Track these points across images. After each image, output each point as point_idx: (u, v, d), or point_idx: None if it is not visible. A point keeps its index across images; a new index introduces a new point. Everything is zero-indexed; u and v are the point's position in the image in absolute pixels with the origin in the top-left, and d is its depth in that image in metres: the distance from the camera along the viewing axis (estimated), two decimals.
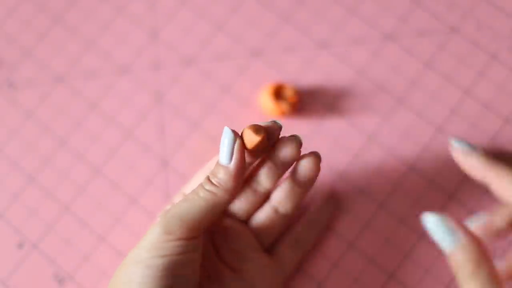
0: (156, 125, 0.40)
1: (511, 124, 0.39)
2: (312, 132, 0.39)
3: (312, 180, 0.32)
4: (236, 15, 0.42)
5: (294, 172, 0.32)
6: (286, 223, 0.35)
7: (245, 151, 0.30)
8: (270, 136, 0.31)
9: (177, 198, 0.34)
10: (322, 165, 0.39)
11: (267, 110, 0.39)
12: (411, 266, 0.37)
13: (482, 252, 0.27)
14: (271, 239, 0.35)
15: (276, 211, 0.34)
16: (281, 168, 0.32)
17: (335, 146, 0.39)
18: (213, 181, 0.30)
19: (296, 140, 0.31)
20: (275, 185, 0.33)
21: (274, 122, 0.31)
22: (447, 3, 0.41)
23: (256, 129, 0.29)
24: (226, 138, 0.30)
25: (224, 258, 0.34)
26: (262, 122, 0.31)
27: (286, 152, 0.31)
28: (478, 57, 0.40)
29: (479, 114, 0.39)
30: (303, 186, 0.33)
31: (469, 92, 0.40)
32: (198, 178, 0.34)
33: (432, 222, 0.28)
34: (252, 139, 0.29)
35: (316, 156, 0.32)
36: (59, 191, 0.39)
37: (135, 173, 0.39)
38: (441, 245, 0.28)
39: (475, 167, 0.32)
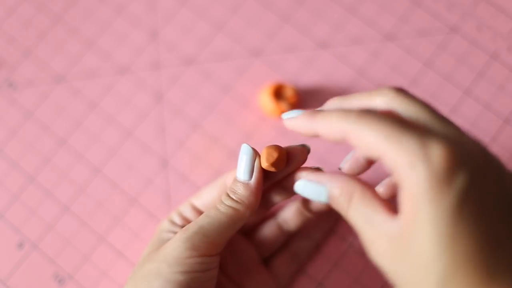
0: (156, 125, 0.40)
1: (511, 124, 0.39)
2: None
3: (322, 212, 0.33)
4: (236, 15, 0.42)
5: (307, 201, 0.33)
6: (287, 238, 0.36)
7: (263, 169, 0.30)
8: (295, 158, 0.31)
9: (184, 208, 0.34)
10: (322, 165, 0.39)
11: (267, 110, 0.39)
12: None
13: (349, 181, 0.27)
14: (271, 252, 0.36)
15: (280, 227, 0.35)
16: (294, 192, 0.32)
17: (335, 146, 0.39)
18: (233, 197, 0.30)
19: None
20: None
21: (303, 145, 0.31)
22: (447, 3, 0.41)
23: (276, 147, 0.30)
24: (245, 155, 0.30)
25: (227, 271, 0.34)
26: (293, 145, 0.31)
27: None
28: (478, 57, 0.40)
29: (479, 114, 0.39)
30: (312, 213, 0.34)
31: (469, 92, 0.40)
32: (210, 192, 0.34)
33: (301, 187, 0.29)
34: (272, 154, 0.29)
35: None
36: (59, 191, 0.39)
37: (135, 173, 0.39)
38: (320, 201, 0.28)
39: (304, 127, 0.29)
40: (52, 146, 0.40)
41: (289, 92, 0.39)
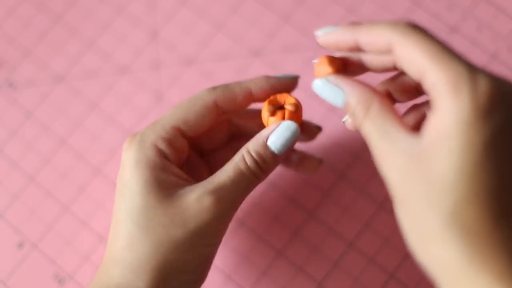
0: None
1: None
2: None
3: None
4: (236, 15, 0.42)
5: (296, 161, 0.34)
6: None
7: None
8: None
9: (172, 136, 0.31)
10: (322, 165, 0.39)
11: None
12: (411, 266, 0.37)
13: (369, 93, 0.26)
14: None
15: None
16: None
17: (335, 146, 0.39)
18: (261, 165, 0.29)
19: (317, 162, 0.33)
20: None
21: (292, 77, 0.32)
22: (447, 3, 0.41)
23: (331, 61, 0.28)
24: (292, 134, 0.29)
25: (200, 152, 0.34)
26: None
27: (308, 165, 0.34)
28: (478, 57, 0.40)
29: None
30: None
31: None
32: (197, 114, 0.31)
33: (320, 87, 0.28)
34: (324, 70, 0.28)
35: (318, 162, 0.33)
36: (59, 191, 0.39)
37: None
38: (336, 105, 0.27)
39: (343, 37, 0.27)
40: (52, 146, 0.40)
41: (288, 101, 0.31)
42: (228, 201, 0.29)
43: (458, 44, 0.40)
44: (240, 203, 0.30)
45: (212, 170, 0.33)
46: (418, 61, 0.24)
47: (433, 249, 0.23)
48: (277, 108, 0.30)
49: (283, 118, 0.29)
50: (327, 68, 0.28)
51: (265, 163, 0.29)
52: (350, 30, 0.27)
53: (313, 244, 0.38)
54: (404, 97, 0.29)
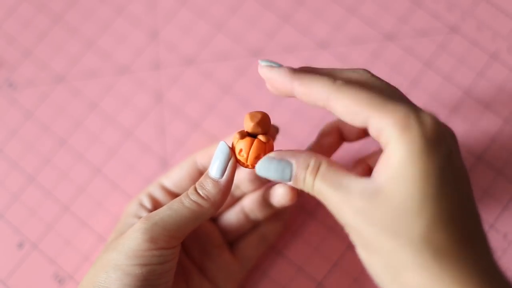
0: (156, 125, 0.40)
1: (511, 124, 0.39)
2: (312, 132, 0.39)
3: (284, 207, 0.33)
4: (236, 15, 0.42)
5: (270, 194, 0.32)
6: (255, 225, 0.36)
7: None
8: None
9: (153, 188, 0.34)
10: None
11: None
12: None
13: (314, 156, 0.27)
14: (236, 237, 0.35)
15: (246, 216, 0.35)
16: (265, 182, 0.33)
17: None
18: (200, 192, 0.29)
19: None
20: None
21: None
22: (447, 3, 0.41)
23: (253, 115, 0.29)
24: (221, 153, 0.29)
25: (189, 254, 0.34)
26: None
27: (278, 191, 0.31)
28: (478, 57, 0.40)
29: (479, 114, 0.39)
30: (275, 207, 0.33)
31: (468, 92, 0.40)
32: (180, 171, 0.34)
33: (264, 167, 0.28)
34: (256, 115, 0.29)
35: (294, 193, 0.32)
36: (59, 191, 0.39)
37: (135, 173, 0.39)
38: (284, 181, 0.28)
39: (281, 80, 0.28)
40: (52, 146, 0.40)
41: (262, 137, 0.30)
42: (158, 226, 0.29)
43: (458, 44, 0.40)
44: (180, 231, 0.29)
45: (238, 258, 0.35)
46: (358, 114, 0.25)
47: (407, 278, 0.23)
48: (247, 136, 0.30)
49: (251, 146, 0.29)
50: (249, 123, 0.29)
51: (205, 189, 0.29)
52: (289, 76, 0.27)
53: (313, 244, 0.38)
54: (353, 136, 0.31)
